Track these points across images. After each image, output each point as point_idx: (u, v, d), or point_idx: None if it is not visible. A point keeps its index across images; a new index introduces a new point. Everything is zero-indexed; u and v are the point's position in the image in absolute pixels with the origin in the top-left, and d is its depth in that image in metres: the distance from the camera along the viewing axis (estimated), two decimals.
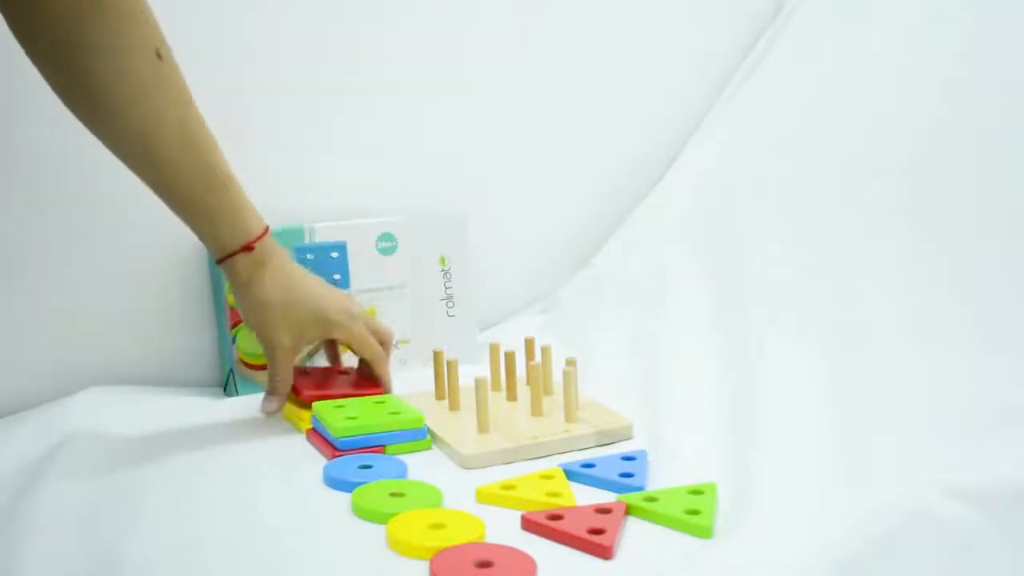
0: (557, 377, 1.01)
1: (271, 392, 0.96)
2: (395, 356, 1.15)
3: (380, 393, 0.99)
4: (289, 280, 0.93)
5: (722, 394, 0.95)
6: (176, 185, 0.87)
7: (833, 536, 0.67)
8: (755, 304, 1.05)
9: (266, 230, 0.92)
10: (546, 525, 0.73)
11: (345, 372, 1.04)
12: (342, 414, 0.91)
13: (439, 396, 1.01)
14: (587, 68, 1.29)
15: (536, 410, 0.95)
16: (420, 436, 0.90)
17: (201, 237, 0.91)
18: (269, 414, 0.96)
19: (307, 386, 0.98)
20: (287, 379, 0.95)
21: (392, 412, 0.92)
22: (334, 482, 0.82)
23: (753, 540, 0.69)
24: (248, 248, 0.90)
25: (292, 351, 0.94)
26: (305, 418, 0.95)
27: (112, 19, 0.81)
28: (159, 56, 0.84)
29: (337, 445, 0.87)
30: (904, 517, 0.65)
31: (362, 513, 0.76)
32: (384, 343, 0.99)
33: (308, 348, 1.01)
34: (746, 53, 1.35)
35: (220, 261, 0.91)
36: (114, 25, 0.81)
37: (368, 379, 1.01)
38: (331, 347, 1.03)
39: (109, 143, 0.86)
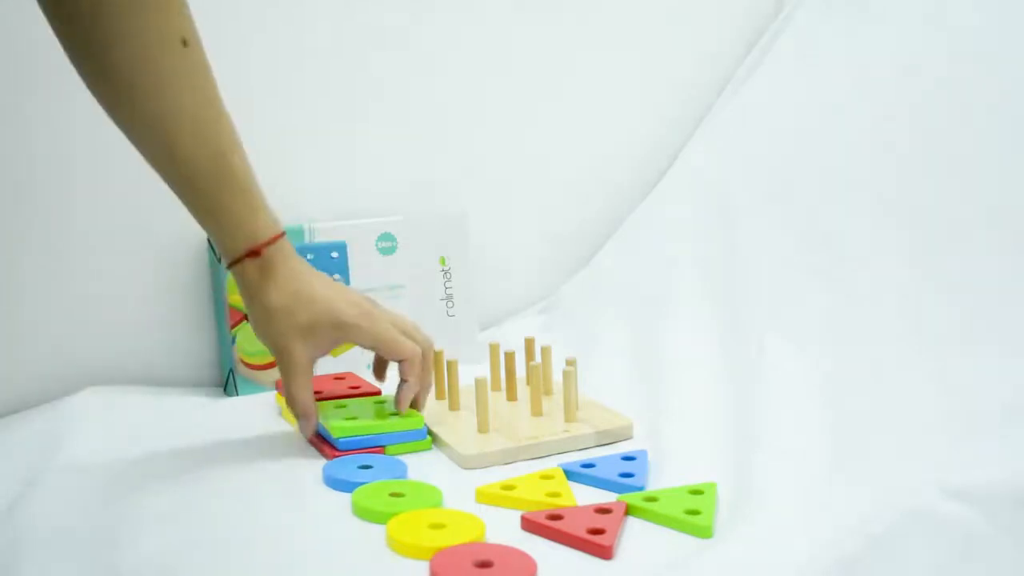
0: (557, 377, 1.01)
1: (292, 410, 0.88)
2: None
3: (378, 393, 0.99)
4: (298, 285, 0.85)
5: (722, 394, 0.95)
6: (190, 181, 0.82)
7: (833, 536, 0.67)
8: (755, 304, 1.05)
9: (279, 235, 0.85)
10: (546, 525, 0.73)
11: (341, 378, 1.04)
12: (342, 414, 0.91)
13: (439, 396, 1.01)
14: (587, 68, 1.29)
15: (536, 410, 0.95)
16: (420, 437, 0.90)
17: (212, 238, 0.86)
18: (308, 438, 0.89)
19: None
20: (303, 393, 0.86)
21: (392, 413, 0.92)
22: (334, 482, 0.82)
23: (753, 540, 0.69)
24: (255, 253, 0.84)
25: (304, 362, 0.86)
26: None
27: (137, 5, 0.78)
28: (184, 44, 0.80)
29: (337, 445, 0.87)
30: (904, 517, 0.65)
31: (362, 513, 0.76)
32: (423, 349, 0.90)
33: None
34: (746, 53, 1.35)
35: (229, 266, 0.86)
36: (138, 11, 0.78)
37: (364, 386, 1.01)
38: (377, 361, 0.94)
39: (127, 132, 0.82)
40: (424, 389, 0.92)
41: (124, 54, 0.78)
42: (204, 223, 0.85)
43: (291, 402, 0.87)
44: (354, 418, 0.90)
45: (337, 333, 0.87)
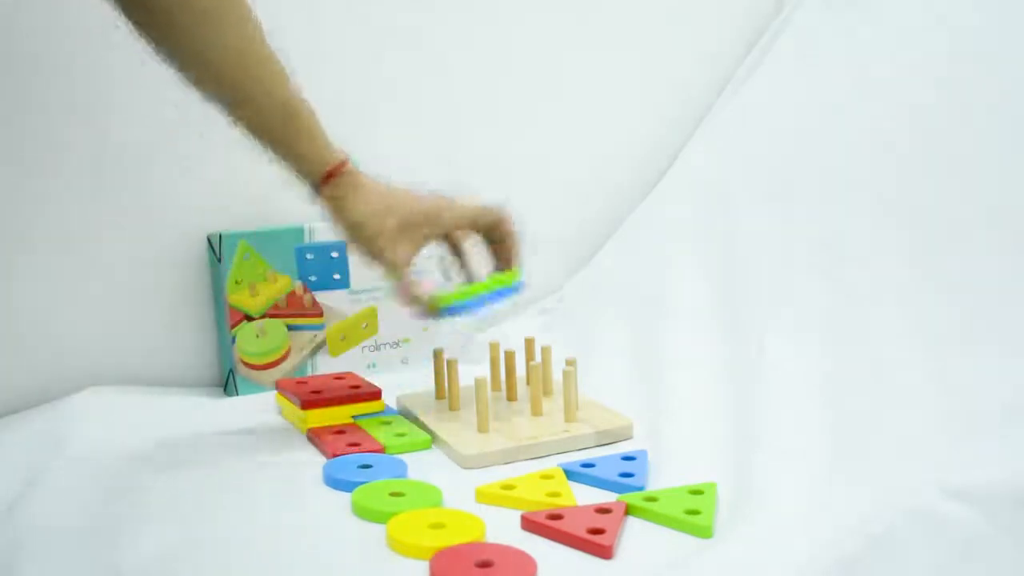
0: (557, 377, 1.01)
1: (407, 304, 0.92)
2: (396, 356, 1.15)
3: (373, 400, 0.99)
4: (378, 195, 0.91)
5: (722, 394, 0.95)
6: (251, 115, 0.88)
7: (833, 536, 0.67)
8: (755, 304, 1.05)
9: (347, 158, 0.91)
10: (546, 525, 0.73)
11: (341, 378, 1.04)
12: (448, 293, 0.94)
13: (439, 396, 1.01)
14: (587, 68, 1.29)
15: (536, 410, 0.95)
16: (518, 291, 0.96)
17: (290, 170, 0.91)
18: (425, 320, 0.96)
19: (304, 392, 0.98)
20: (412, 286, 0.91)
21: (493, 277, 0.95)
22: (334, 482, 0.82)
23: (753, 540, 0.69)
24: (332, 175, 0.90)
25: (403, 258, 0.91)
26: (305, 418, 0.95)
27: None
28: None
29: (448, 312, 0.92)
30: (904, 517, 0.65)
31: (362, 513, 0.76)
32: (504, 215, 0.96)
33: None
34: (746, 53, 1.35)
35: (313, 190, 0.91)
36: None
37: (364, 386, 1.01)
38: (456, 254, 0.98)
39: (183, 72, 0.86)
40: (517, 241, 0.97)
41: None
42: (279, 156, 0.90)
43: (404, 298, 0.91)
44: (456, 289, 0.93)
45: (428, 225, 0.92)
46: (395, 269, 0.91)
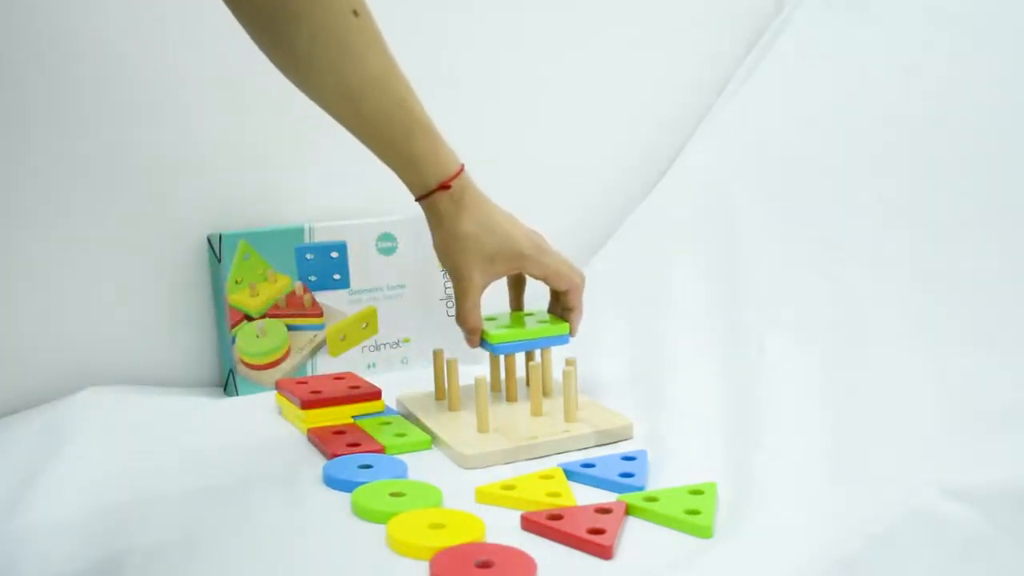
0: (557, 377, 1.01)
1: (463, 327, 0.97)
2: (396, 356, 1.15)
3: (373, 400, 0.99)
4: (483, 216, 0.94)
5: (722, 394, 0.95)
6: (380, 134, 0.91)
7: (833, 536, 0.67)
8: (755, 304, 1.05)
9: (462, 168, 0.94)
10: (546, 525, 0.73)
11: (341, 378, 1.04)
12: (493, 325, 0.98)
13: (439, 396, 1.01)
14: (586, 68, 1.29)
15: (536, 410, 0.95)
16: (564, 342, 0.99)
17: (402, 178, 0.94)
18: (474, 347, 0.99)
19: (304, 392, 0.98)
20: (474, 313, 0.96)
21: (541, 321, 1.00)
22: (334, 482, 0.82)
23: (753, 540, 0.69)
24: (445, 186, 0.92)
25: (480, 285, 0.95)
26: (305, 418, 0.95)
27: None
28: (355, 14, 0.87)
29: (495, 351, 0.97)
30: (904, 517, 0.65)
31: (362, 513, 0.76)
32: (576, 287, 1.00)
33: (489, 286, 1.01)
34: (746, 53, 1.35)
35: (419, 199, 0.94)
36: None
37: (363, 386, 1.01)
38: (516, 286, 1.03)
39: (319, 102, 0.90)
40: (580, 313, 1.01)
41: (300, 28, 0.85)
42: (394, 167, 0.93)
43: (463, 320, 0.96)
44: (507, 326, 0.98)
45: (515, 263, 0.96)
46: (468, 293, 0.95)
